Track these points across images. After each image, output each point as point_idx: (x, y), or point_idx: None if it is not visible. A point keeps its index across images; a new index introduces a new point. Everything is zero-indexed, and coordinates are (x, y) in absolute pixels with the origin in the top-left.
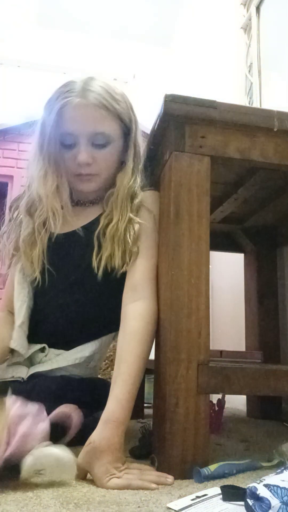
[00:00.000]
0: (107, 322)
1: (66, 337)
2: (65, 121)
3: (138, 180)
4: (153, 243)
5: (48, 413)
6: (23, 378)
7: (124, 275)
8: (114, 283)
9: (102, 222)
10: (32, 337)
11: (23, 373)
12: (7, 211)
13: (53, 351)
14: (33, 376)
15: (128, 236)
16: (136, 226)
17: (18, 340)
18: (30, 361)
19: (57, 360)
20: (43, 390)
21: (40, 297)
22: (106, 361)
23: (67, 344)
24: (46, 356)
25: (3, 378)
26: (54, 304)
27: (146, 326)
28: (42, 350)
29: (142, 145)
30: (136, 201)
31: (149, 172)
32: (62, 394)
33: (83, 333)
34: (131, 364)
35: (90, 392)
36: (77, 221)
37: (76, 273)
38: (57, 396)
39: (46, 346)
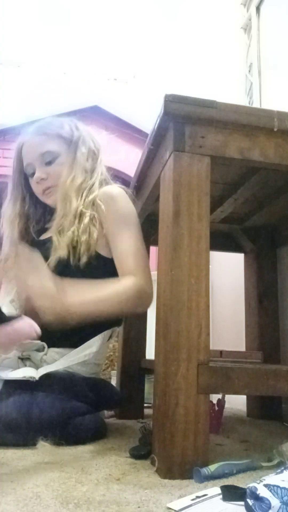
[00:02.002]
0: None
1: (66, 334)
2: (24, 157)
3: (81, 179)
4: (129, 231)
5: (51, 406)
6: (34, 378)
7: (95, 264)
8: (89, 276)
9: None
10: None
11: (33, 372)
12: None
13: (52, 350)
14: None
15: (78, 225)
16: (86, 219)
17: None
18: (28, 360)
19: (68, 358)
20: (47, 383)
21: None
22: (106, 361)
23: (67, 341)
24: (46, 355)
25: (15, 377)
26: None
27: (124, 290)
28: (41, 349)
29: (94, 149)
30: (91, 197)
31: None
32: (66, 388)
33: (82, 329)
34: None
35: (93, 390)
36: None
37: (58, 272)
38: (60, 390)
39: (45, 345)
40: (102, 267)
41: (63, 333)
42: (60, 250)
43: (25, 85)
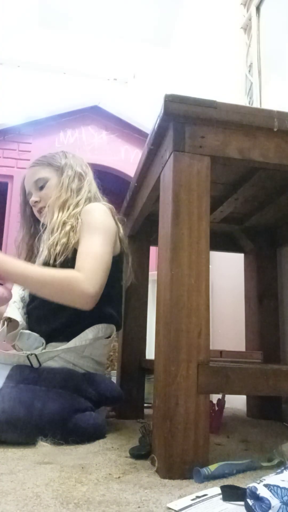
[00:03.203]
0: (93, 312)
1: (61, 329)
2: (25, 189)
3: (65, 197)
4: (92, 236)
5: (52, 400)
6: (34, 353)
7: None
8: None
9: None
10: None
11: (34, 362)
12: (7, 210)
13: (50, 345)
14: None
15: (60, 232)
16: (67, 227)
17: (11, 312)
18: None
19: (66, 344)
20: (49, 378)
21: (30, 298)
22: (106, 361)
23: (63, 335)
24: (45, 349)
25: (17, 353)
26: (34, 304)
27: (57, 279)
28: (40, 345)
29: (80, 172)
30: (76, 210)
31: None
32: (66, 384)
33: (77, 323)
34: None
35: (92, 385)
36: None
37: None
38: (61, 385)
39: (44, 341)
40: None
41: (58, 329)
42: (41, 255)
43: (25, 85)
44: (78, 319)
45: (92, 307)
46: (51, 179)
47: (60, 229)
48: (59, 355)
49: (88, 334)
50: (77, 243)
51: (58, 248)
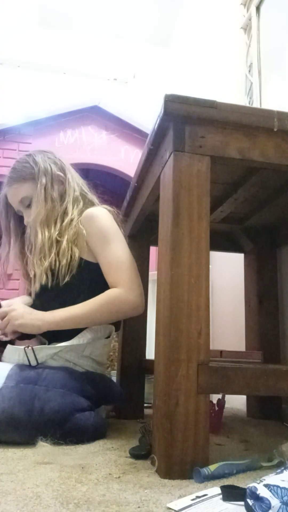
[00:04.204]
0: None
1: (59, 334)
2: (10, 203)
3: (45, 212)
4: (110, 246)
5: (52, 400)
6: (31, 347)
7: (85, 271)
8: (75, 281)
9: None
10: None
11: (32, 359)
12: None
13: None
14: (39, 365)
15: (53, 253)
16: (63, 245)
17: None
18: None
19: (64, 343)
20: (48, 377)
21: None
22: (106, 361)
23: (65, 335)
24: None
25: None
26: (38, 304)
27: (108, 299)
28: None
29: (59, 175)
30: (66, 220)
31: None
32: (66, 384)
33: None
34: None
35: (92, 384)
36: None
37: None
38: (61, 385)
39: (46, 341)
40: (93, 272)
41: (59, 334)
42: (38, 280)
43: (25, 85)
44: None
45: (145, 308)
46: (34, 194)
47: (51, 248)
48: (59, 354)
49: (87, 334)
50: (83, 253)
51: (63, 270)
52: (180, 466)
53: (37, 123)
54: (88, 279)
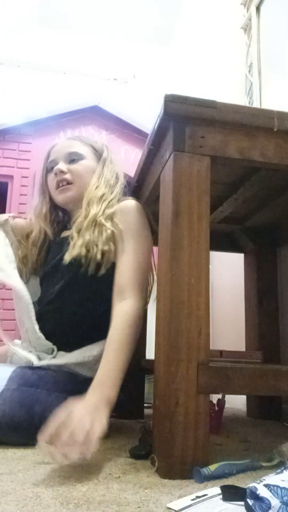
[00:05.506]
0: (105, 324)
1: (70, 339)
2: (50, 155)
3: (103, 191)
4: (135, 244)
5: (54, 404)
6: (32, 363)
7: (109, 274)
8: (103, 284)
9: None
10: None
11: (34, 359)
12: (7, 211)
13: (60, 353)
14: (41, 368)
15: (96, 233)
16: (108, 231)
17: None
18: (38, 359)
19: (67, 356)
20: (50, 381)
21: (42, 299)
22: None
23: (71, 346)
24: (54, 357)
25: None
26: (53, 306)
27: (131, 323)
28: (51, 351)
29: (118, 172)
30: (110, 211)
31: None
32: (68, 388)
33: (86, 335)
34: (119, 353)
35: None
36: None
37: (66, 275)
38: (63, 389)
39: (55, 348)
40: (108, 282)
41: (70, 339)
42: (75, 250)
43: (25, 85)
44: (93, 334)
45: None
46: (87, 159)
47: (96, 229)
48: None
49: (93, 350)
50: (115, 252)
51: (99, 256)
52: (180, 466)
53: (37, 123)
54: (111, 282)
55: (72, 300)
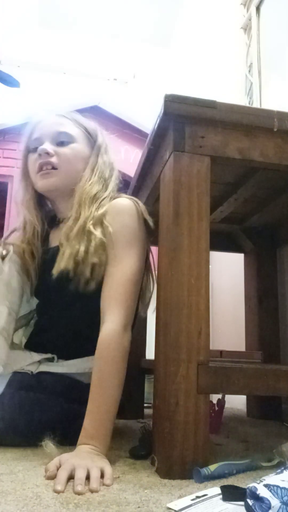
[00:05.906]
0: None
1: (70, 349)
2: (34, 132)
3: (97, 188)
4: (124, 253)
5: (53, 409)
6: (32, 372)
7: (100, 290)
8: (94, 300)
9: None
10: (40, 347)
11: (33, 367)
12: (7, 210)
13: (61, 361)
14: (41, 373)
15: (85, 241)
16: (97, 240)
17: None
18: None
19: (68, 366)
20: (49, 386)
21: (40, 308)
22: None
23: (75, 354)
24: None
25: (14, 370)
26: (51, 317)
27: (112, 354)
28: (51, 360)
29: (113, 163)
30: (100, 212)
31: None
32: (67, 393)
33: (85, 346)
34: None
35: None
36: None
37: (57, 290)
38: (61, 394)
39: (56, 357)
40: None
41: (71, 348)
42: (63, 262)
43: (25, 85)
44: (90, 347)
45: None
46: (79, 143)
47: (85, 237)
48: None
49: (88, 363)
50: (106, 261)
51: (87, 273)
52: (180, 466)
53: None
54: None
55: (64, 315)
